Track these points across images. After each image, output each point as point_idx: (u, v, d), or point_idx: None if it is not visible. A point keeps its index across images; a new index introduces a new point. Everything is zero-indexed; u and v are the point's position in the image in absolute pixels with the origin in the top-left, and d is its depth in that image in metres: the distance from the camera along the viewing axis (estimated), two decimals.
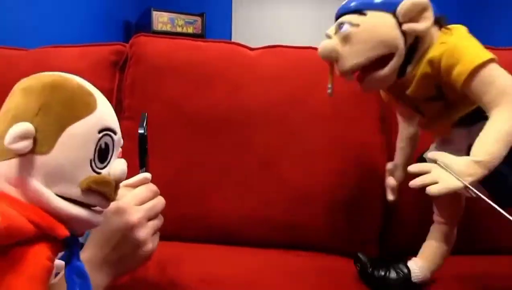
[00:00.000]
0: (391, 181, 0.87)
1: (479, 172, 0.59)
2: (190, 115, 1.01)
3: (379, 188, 0.92)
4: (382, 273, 0.77)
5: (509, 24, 3.65)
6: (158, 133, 0.99)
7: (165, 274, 0.74)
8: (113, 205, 0.58)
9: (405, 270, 0.77)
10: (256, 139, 0.99)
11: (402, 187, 0.97)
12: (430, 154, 0.65)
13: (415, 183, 0.63)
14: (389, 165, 0.89)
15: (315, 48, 1.06)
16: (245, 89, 1.01)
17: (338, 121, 0.99)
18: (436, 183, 0.60)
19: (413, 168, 0.65)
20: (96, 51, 1.11)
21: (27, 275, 0.37)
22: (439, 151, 0.70)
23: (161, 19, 4.03)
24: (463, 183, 0.59)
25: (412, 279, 0.77)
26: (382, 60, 0.68)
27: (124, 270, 0.58)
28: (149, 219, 0.60)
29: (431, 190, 0.60)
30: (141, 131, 0.63)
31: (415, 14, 0.66)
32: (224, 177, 0.99)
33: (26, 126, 0.38)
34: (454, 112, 0.70)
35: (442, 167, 0.61)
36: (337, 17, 0.72)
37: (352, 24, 0.68)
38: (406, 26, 0.66)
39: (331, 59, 0.71)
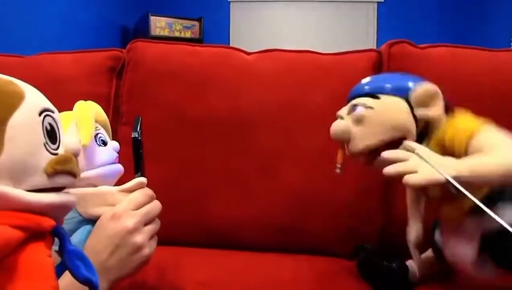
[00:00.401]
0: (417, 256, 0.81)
1: (462, 170, 0.56)
2: (188, 120, 1.01)
3: (378, 190, 0.92)
4: (379, 268, 0.79)
5: (507, 25, 3.66)
6: (156, 138, 0.99)
7: (163, 278, 0.74)
8: (109, 210, 0.58)
9: (403, 267, 0.78)
10: (254, 142, 0.99)
11: (402, 188, 0.97)
12: (408, 142, 0.64)
13: (389, 170, 0.59)
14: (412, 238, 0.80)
15: (312, 52, 1.08)
16: (243, 93, 1.01)
17: None
18: (414, 172, 0.57)
19: (388, 154, 0.62)
20: (92, 57, 1.11)
21: (35, 277, 0.37)
22: (447, 239, 0.70)
23: (158, 24, 4.04)
24: (444, 176, 0.55)
25: (410, 276, 0.78)
26: (393, 143, 0.67)
27: (122, 275, 0.58)
28: (146, 224, 0.59)
29: (409, 180, 0.56)
30: (134, 135, 0.63)
31: (427, 100, 0.67)
32: (222, 180, 0.99)
33: None
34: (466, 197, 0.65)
35: (421, 157, 0.58)
36: (350, 99, 0.73)
37: (366, 107, 0.68)
38: (419, 112, 0.67)
39: (343, 140, 0.71)
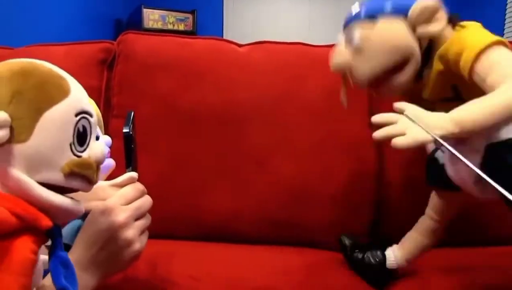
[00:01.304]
0: None
1: (450, 128, 0.56)
2: (179, 112, 1.00)
3: (370, 182, 0.92)
4: (359, 257, 0.80)
5: (499, 16, 3.66)
6: (148, 131, 0.98)
7: (156, 272, 0.74)
8: (100, 205, 0.58)
9: (381, 257, 0.80)
10: (247, 135, 0.99)
11: (393, 181, 0.98)
12: (398, 104, 0.61)
13: (378, 134, 0.58)
14: None
15: (303, 44, 1.08)
16: (235, 85, 1.01)
17: (328, 116, 0.98)
18: (402, 134, 0.56)
19: (377, 118, 0.60)
20: (83, 49, 1.10)
21: (11, 270, 0.36)
22: (454, 148, 0.67)
23: (152, 17, 4.01)
24: (432, 136, 0.54)
25: (387, 265, 0.79)
26: (396, 66, 0.66)
27: (112, 270, 0.58)
28: (137, 219, 0.59)
29: (397, 142, 0.55)
30: (126, 130, 0.62)
31: (428, 16, 0.64)
32: (216, 173, 0.98)
33: (0, 115, 0.37)
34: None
35: (409, 118, 0.57)
36: (346, 25, 0.70)
37: (363, 33, 0.66)
38: (420, 29, 0.65)
39: (344, 71, 0.69)
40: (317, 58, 1.02)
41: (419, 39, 0.65)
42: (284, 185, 0.96)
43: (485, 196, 0.64)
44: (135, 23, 3.96)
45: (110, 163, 0.69)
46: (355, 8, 0.70)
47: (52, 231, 0.41)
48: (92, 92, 1.05)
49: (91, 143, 0.44)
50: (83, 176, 0.43)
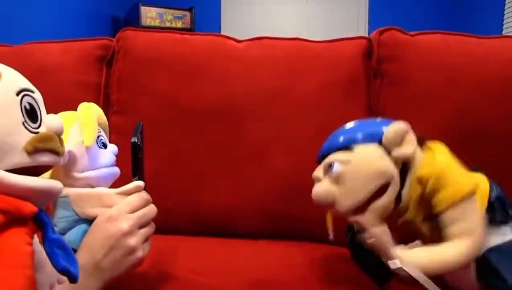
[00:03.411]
0: None
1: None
2: (178, 108, 1.00)
3: None
4: (362, 250, 0.77)
5: (498, 12, 3.67)
6: (146, 126, 0.98)
7: (154, 266, 0.75)
8: (105, 212, 0.60)
9: None
10: (245, 129, 0.99)
11: None
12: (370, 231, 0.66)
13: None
14: None
15: (302, 40, 1.08)
16: (233, 81, 1.01)
17: (326, 111, 0.99)
18: None
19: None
20: (82, 46, 1.10)
21: (11, 265, 0.36)
22: None
23: (149, 14, 4.00)
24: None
25: None
26: (379, 191, 0.66)
27: (115, 276, 0.59)
28: (141, 227, 0.61)
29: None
30: (134, 140, 0.64)
31: (399, 139, 0.66)
32: (214, 168, 0.99)
33: None
34: None
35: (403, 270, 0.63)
36: (321, 157, 0.70)
37: (342, 162, 0.66)
38: (395, 153, 0.66)
39: (328, 204, 0.68)
40: (315, 54, 1.03)
41: (395, 161, 0.66)
42: (283, 179, 0.97)
43: None
44: (133, 21, 3.95)
45: (117, 171, 0.71)
46: (331, 137, 0.71)
47: (38, 216, 0.41)
48: (91, 89, 1.07)
49: (44, 118, 0.44)
50: (48, 150, 0.42)
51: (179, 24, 4.14)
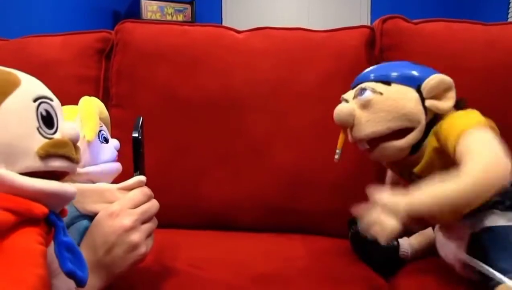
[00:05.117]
0: None
1: (401, 214, 0.58)
2: (179, 100, 0.99)
3: (371, 167, 0.91)
4: (368, 242, 0.76)
5: (502, 5, 3.63)
6: (146, 119, 0.97)
7: (155, 259, 0.74)
8: (107, 208, 0.59)
9: (395, 243, 0.78)
10: (246, 121, 0.98)
11: None
12: (376, 197, 0.62)
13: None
14: None
15: (304, 30, 1.06)
16: (234, 72, 1.00)
17: (328, 102, 0.96)
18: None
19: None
20: (80, 39, 1.09)
21: (23, 264, 0.36)
22: (439, 235, 0.69)
23: (150, 8, 3.99)
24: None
25: (400, 253, 0.78)
26: (399, 132, 0.66)
27: (117, 272, 0.58)
28: (143, 222, 0.60)
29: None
30: (135, 135, 0.63)
31: (439, 92, 0.65)
32: (214, 161, 0.98)
33: None
34: None
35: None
36: (356, 84, 0.70)
37: (375, 91, 0.66)
38: (429, 103, 0.65)
39: (347, 124, 0.69)
40: (317, 44, 1.01)
41: (426, 110, 0.66)
42: (284, 172, 0.96)
43: (468, 276, 0.64)
44: (134, 14, 3.95)
45: (119, 166, 0.70)
46: (371, 68, 0.71)
47: (50, 218, 0.41)
48: (90, 82, 1.06)
49: (61, 125, 0.45)
50: (61, 155, 0.43)
51: (180, 18, 4.12)
